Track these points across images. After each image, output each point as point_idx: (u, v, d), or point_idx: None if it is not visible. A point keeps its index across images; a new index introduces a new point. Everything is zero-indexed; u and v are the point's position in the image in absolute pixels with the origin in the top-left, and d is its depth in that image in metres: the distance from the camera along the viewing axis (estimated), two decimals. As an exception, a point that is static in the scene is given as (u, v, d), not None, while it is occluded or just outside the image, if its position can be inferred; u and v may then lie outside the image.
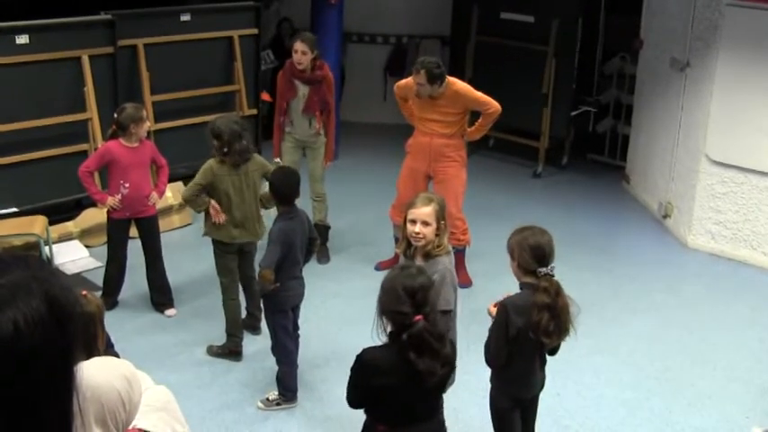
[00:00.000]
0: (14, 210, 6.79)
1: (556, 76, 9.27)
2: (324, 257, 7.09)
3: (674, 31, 8.06)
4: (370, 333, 3.30)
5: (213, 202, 5.52)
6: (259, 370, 5.53)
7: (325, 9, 9.15)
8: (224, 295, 5.65)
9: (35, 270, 1.49)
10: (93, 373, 2.25)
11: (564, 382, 5.41)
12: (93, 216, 7.03)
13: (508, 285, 4.07)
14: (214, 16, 8.22)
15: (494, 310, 3.93)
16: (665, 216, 8.20)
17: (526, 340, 3.83)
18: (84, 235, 7.13)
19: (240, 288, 5.79)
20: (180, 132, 7.84)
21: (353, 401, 3.44)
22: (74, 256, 6.88)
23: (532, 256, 3.84)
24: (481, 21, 9.69)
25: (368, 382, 3.25)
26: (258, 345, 5.79)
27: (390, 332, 3.28)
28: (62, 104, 7.10)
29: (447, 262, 4.11)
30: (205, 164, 5.54)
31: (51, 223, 6.72)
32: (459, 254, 6.48)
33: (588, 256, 7.40)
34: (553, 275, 3.85)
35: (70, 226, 7.12)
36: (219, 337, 5.72)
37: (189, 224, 7.68)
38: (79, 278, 6.48)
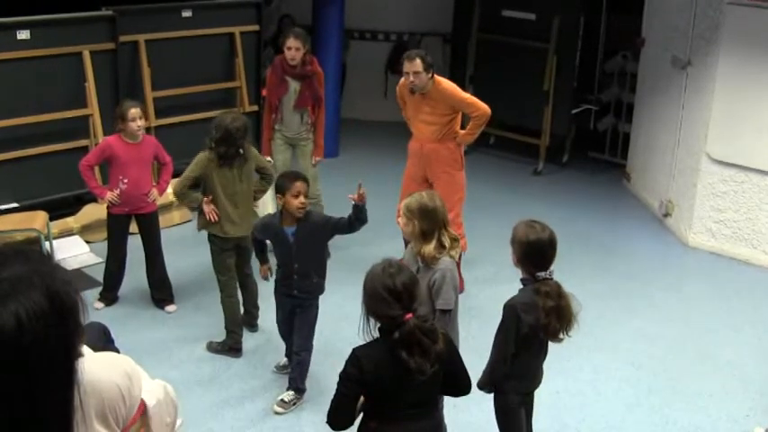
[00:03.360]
0: (15, 205, 6.80)
1: (557, 73, 9.26)
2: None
3: (675, 30, 8.06)
4: (358, 333, 3.29)
5: (206, 198, 5.52)
6: (259, 366, 5.54)
7: (326, 5, 9.15)
8: (222, 293, 5.65)
9: (36, 264, 1.49)
10: (94, 368, 2.25)
11: (564, 380, 5.41)
12: (94, 212, 7.04)
13: (507, 284, 4.08)
14: (215, 12, 8.22)
15: None
16: (666, 214, 8.20)
17: (535, 337, 3.88)
18: (85, 230, 7.13)
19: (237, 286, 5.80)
20: (181, 128, 7.83)
21: (344, 408, 3.33)
22: (74, 251, 6.89)
23: (531, 255, 3.87)
24: (483, 18, 9.68)
25: (362, 377, 3.24)
26: (257, 341, 5.80)
27: (380, 328, 3.27)
28: (63, 100, 7.10)
29: (448, 262, 4.11)
30: (198, 156, 5.53)
31: (52, 219, 6.72)
32: None
33: (589, 255, 7.40)
34: (551, 278, 3.87)
35: (71, 221, 7.12)
36: (219, 334, 5.73)
37: (189, 220, 7.67)
38: (79, 273, 6.48)
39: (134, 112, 5.86)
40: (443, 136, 6.38)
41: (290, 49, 6.65)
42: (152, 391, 2.69)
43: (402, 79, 6.41)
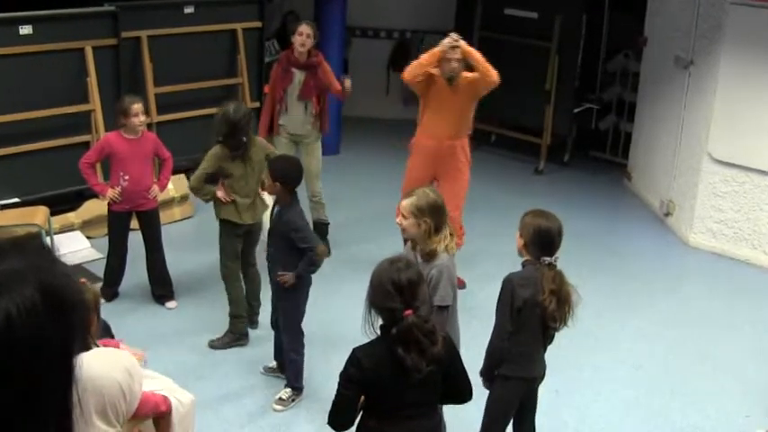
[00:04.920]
0: (16, 200, 6.80)
1: (559, 72, 9.26)
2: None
3: (678, 29, 8.05)
4: (361, 329, 3.30)
5: (223, 181, 5.58)
6: (258, 362, 5.54)
7: (328, 3, 9.15)
8: (228, 279, 5.67)
9: (33, 258, 1.46)
10: (94, 364, 2.26)
11: (563, 380, 5.41)
12: (95, 207, 7.04)
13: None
14: (218, 9, 8.21)
15: None
16: (667, 214, 8.20)
17: (532, 313, 3.93)
18: (86, 226, 7.13)
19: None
20: (183, 125, 7.84)
21: (344, 409, 3.33)
22: (75, 246, 6.90)
23: (540, 241, 3.96)
24: (485, 16, 9.68)
25: (362, 377, 3.24)
26: (257, 337, 5.79)
27: (381, 326, 3.28)
28: (65, 95, 7.10)
29: (446, 259, 4.10)
30: (210, 151, 5.58)
31: (53, 214, 6.72)
32: None
33: (589, 254, 7.39)
34: (555, 265, 3.95)
35: (72, 217, 7.13)
36: (220, 329, 5.74)
37: (190, 217, 7.68)
38: (80, 269, 6.48)
39: (136, 107, 5.87)
40: (461, 131, 6.37)
41: (301, 34, 6.68)
42: (181, 399, 2.70)
43: (436, 69, 6.18)
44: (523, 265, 4.04)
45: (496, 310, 4.01)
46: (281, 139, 6.93)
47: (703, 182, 7.57)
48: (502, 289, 3.98)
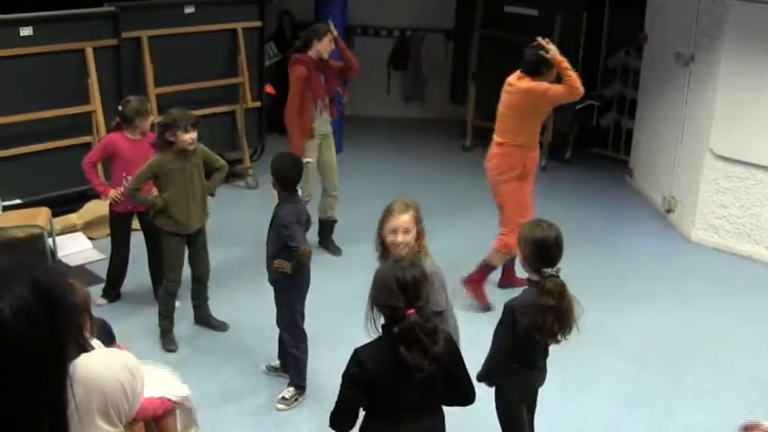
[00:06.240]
0: (18, 201, 6.80)
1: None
2: (334, 249, 7.13)
3: (678, 26, 8.05)
4: (364, 328, 3.30)
5: None
6: (261, 361, 5.55)
7: (328, 2, 9.14)
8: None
9: (23, 257, 1.45)
10: (95, 364, 2.26)
11: (566, 377, 5.41)
12: (97, 208, 7.04)
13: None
14: (218, 8, 8.22)
15: None
16: (669, 210, 8.19)
17: (534, 336, 3.89)
18: (88, 227, 7.14)
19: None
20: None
21: (346, 410, 3.34)
22: (77, 247, 6.90)
23: (537, 253, 3.88)
24: (485, 14, 9.67)
25: (364, 377, 3.24)
26: (259, 336, 5.80)
27: (383, 325, 3.27)
28: (66, 96, 7.11)
29: (430, 264, 4.01)
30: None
31: (55, 215, 6.73)
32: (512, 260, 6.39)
33: (591, 251, 7.38)
34: (558, 276, 3.87)
35: (74, 218, 7.13)
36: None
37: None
38: (82, 270, 6.50)
39: (148, 106, 5.98)
40: None
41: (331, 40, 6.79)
42: (177, 394, 2.70)
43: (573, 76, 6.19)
44: (528, 281, 3.97)
45: (495, 333, 3.97)
46: (314, 142, 6.89)
47: (705, 178, 7.57)
48: (503, 316, 3.91)
